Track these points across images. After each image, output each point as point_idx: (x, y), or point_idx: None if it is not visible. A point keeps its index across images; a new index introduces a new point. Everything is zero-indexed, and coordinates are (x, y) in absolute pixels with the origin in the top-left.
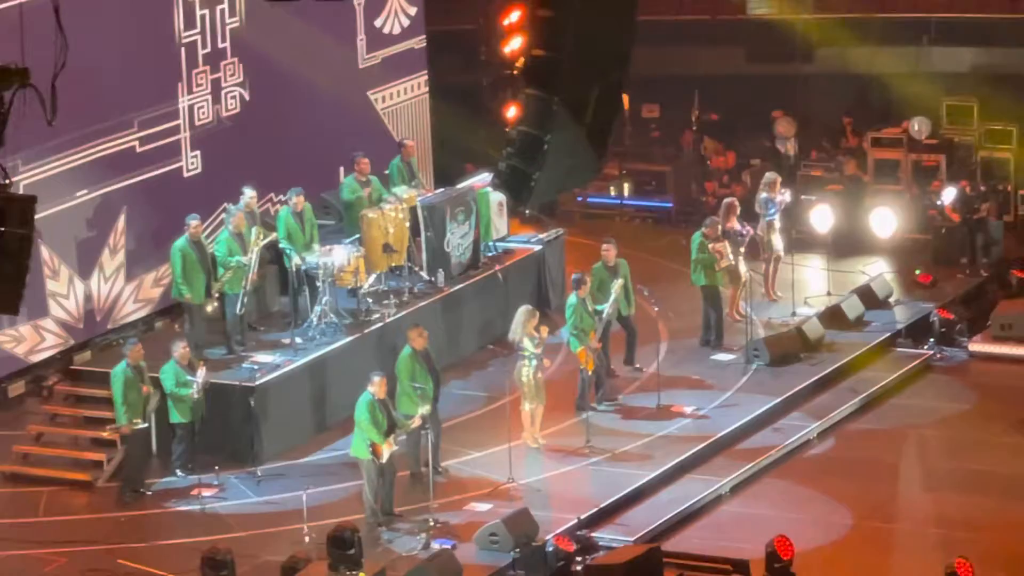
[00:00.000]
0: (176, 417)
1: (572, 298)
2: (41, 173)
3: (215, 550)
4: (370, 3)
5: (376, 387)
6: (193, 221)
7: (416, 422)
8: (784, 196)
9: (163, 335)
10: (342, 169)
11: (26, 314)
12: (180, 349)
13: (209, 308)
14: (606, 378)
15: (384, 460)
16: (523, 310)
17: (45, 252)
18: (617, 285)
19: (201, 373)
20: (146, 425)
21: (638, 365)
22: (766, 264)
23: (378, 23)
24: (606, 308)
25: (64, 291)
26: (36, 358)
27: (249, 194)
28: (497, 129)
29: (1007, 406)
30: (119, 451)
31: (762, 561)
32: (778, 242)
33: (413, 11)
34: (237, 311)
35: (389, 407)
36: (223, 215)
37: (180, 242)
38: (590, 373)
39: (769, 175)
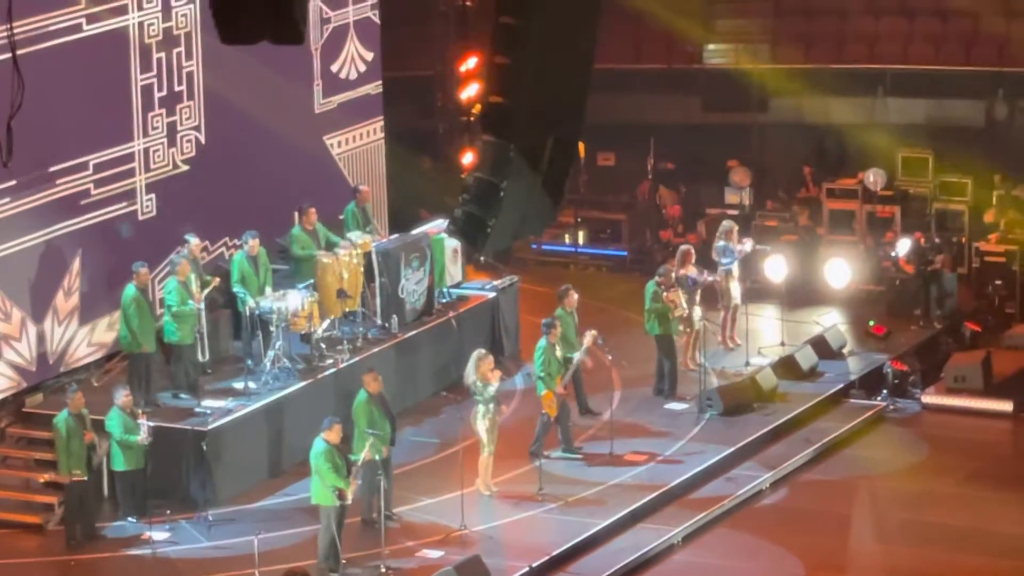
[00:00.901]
0: (124, 464)
1: (542, 342)
2: None
3: None
4: (327, 48)
5: (330, 434)
6: (142, 269)
7: (366, 456)
8: (744, 246)
9: (116, 379)
10: (297, 214)
11: None
12: (123, 397)
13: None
14: (570, 421)
15: (349, 502)
16: (476, 353)
17: None
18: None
19: (144, 421)
20: (86, 478)
21: (595, 410)
22: (724, 312)
23: (335, 68)
24: (577, 356)
25: (16, 334)
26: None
27: (193, 241)
28: (452, 175)
29: (959, 458)
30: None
31: None
32: (736, 291)
33: (370, 56)
34: (199, 360)
35: (343, 451)
36: (171, 263)
37: (130, 291)
38: (552, 419)
39: (726, 223)
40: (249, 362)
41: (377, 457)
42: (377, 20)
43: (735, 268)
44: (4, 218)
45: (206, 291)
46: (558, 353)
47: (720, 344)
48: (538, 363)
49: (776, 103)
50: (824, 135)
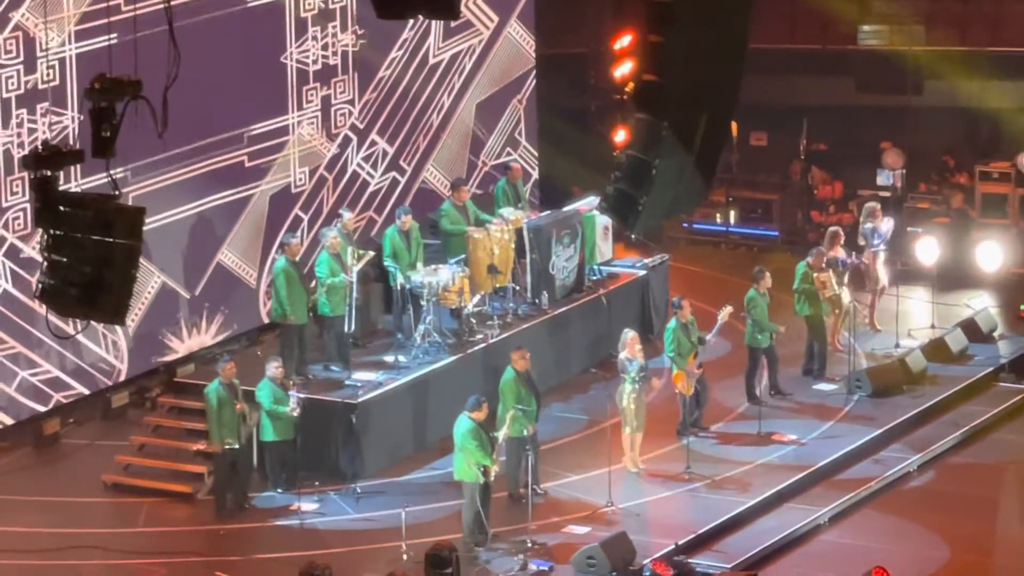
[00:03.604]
0: (273, 435)
1: (672, 323)
2: (150, 185)
3: (313, 566)
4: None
5: (477, 413)
6: (293, 240)
7: (505, 435)
8: (887, 225)
9: (266, 351)
10: (451, 189)
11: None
12: (274, 368)
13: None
14: (703, 405)
15: (493, 479)
16: (626, 331)
17: (152, 264)
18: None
19: (294, 392)
20: (237, 446)
21: (780, 391)
22: (871, 295)
23: (488, 44)
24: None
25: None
26: (140, 369)
27: (346, 216)
28: (605, 153)
29: None
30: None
31: None
32: (883, 273)
33: (525, 32)
34: (346, 331)
35: (487, 429)
36: (320, 235)
37: (281, 262)
38: (688, 397)
39: (869, 204)
40: (399, 336)
41: (525, 433)
42: None
43: (882, 250)
44: (159, 189)
45: (361, 263)
46: (692, 332)
47: (867, 326)
48: (668, 344)
49: (930, 85)
50: (978, 118)
